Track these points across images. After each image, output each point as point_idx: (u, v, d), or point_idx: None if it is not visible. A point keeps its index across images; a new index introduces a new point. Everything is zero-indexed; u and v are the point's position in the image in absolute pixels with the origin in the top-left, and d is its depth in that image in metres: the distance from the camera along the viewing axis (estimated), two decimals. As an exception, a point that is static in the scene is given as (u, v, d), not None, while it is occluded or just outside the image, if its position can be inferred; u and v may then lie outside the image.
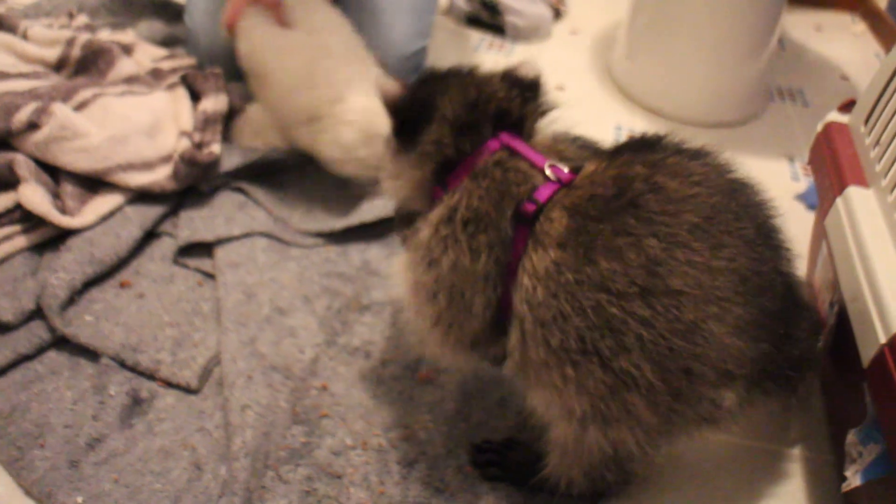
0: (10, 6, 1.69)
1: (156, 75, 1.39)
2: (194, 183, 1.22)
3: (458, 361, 0.87)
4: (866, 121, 0.94)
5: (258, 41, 1.26)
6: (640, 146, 0.80)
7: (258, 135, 1.30)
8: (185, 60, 1.45)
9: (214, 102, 1.30)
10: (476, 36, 1.92)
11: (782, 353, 0.76)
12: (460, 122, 0.81)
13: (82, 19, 1.55)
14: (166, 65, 1.41)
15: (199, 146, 1.24)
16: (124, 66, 1.35)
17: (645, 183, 0.73)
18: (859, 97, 0.98)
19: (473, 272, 0.77)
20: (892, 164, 0.84)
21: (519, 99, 0.84)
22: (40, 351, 1.01)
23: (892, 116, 0.87)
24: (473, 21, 1.95)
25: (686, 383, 0.71)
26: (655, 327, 0.69)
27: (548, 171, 0.77)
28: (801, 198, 1.38)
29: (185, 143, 1.22)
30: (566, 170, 0.78)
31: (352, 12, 1.34)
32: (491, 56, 1.82)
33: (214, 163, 1.22)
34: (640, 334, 0.69)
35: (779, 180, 1.44)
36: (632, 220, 0.71)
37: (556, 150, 0.82)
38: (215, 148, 1.24)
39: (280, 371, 0.99)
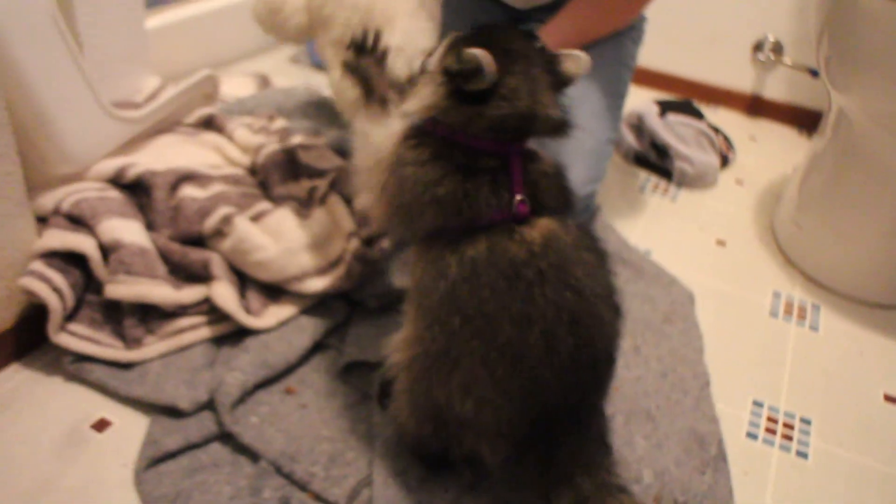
0: (221, 97, 1.86)
1: (312, 194, 1.46)
2: (363, 291, 1.30)
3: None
4: None
5: None
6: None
7: (277, 12, 1.30)
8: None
9: (368, 197, 1.37)
10: (642, 176, 1.95)
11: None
12: (510, 123, 0.89)
13: (280, 123, 1.69)
14: (323, 185, 1.47)
15: (368, 242, 1.31)
16: (291, 188, 1.45)
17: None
18: None
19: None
20: None
21: (557, 119, 0.91)
22: (207, 441, 1.07)
23: None
24: (641, 161, 1.99)
25: None
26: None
27: (515, 202, 0.88)
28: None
29: (354, 243, 1.30)
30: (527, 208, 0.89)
31: None
32: (655, 199, 1.85)
33: (387, 257, 1.29)
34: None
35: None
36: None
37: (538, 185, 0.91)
38: (385, 242, 1.30)
39: (425, 505, 1.02)
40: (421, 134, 0.91)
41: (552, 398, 0.88)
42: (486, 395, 0.88)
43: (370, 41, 1.04)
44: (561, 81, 0.93)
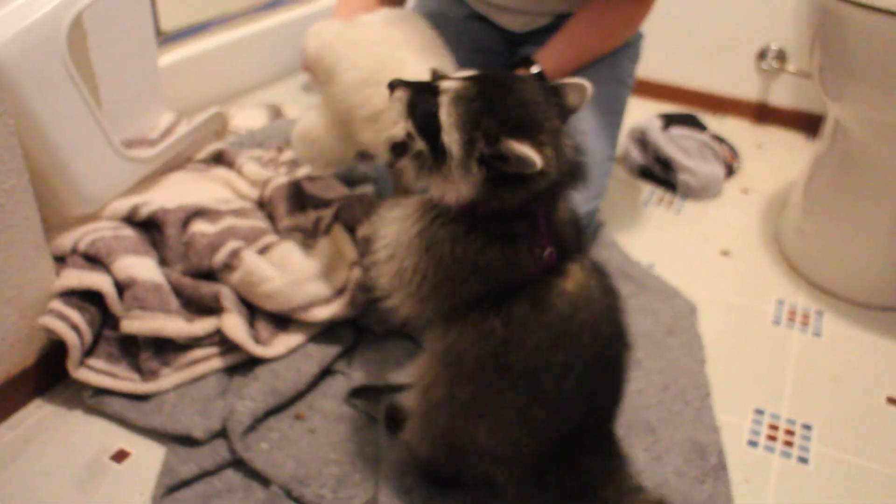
0: (233, 129, 1.92)
1: (318, 225, 1.49)
2: (369, 317, 1.34)
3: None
4: None
5: (330, 35, 1.21)
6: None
7: (313, 143, 1.25)
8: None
9: (370, 225, 1.38)
10: (647, 189, 1.98)
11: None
12: (545, 194, 0.88)
13: (289, 154, 1.74)
14: (327, 215, 1.50)
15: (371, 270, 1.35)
16: (298, 219, 1.49)
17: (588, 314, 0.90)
18: None
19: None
20: None
21: (573, 175, 0.91)
22: (220, 468, 1.12)
23: None
24: (646, 174, 2.02)
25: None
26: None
27: (545, 255, 0.90)
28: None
29: (357, 272, 1.34)
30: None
31: None
32: (660, 212, 1.87)
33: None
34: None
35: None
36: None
37: (561, 234, 0.93)
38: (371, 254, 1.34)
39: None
40: (445, 212, 0.90)
41: (573, 427, 0.94)
42: (512, 435, 0.94)
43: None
44: (565, 113, 0.92)
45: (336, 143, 1.22)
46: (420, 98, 0.88)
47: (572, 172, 0.90)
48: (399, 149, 0.92)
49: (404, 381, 1.22)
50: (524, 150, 0.80)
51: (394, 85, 0.90)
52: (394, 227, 0.95)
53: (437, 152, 0.87)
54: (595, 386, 0.93)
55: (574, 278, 0.91)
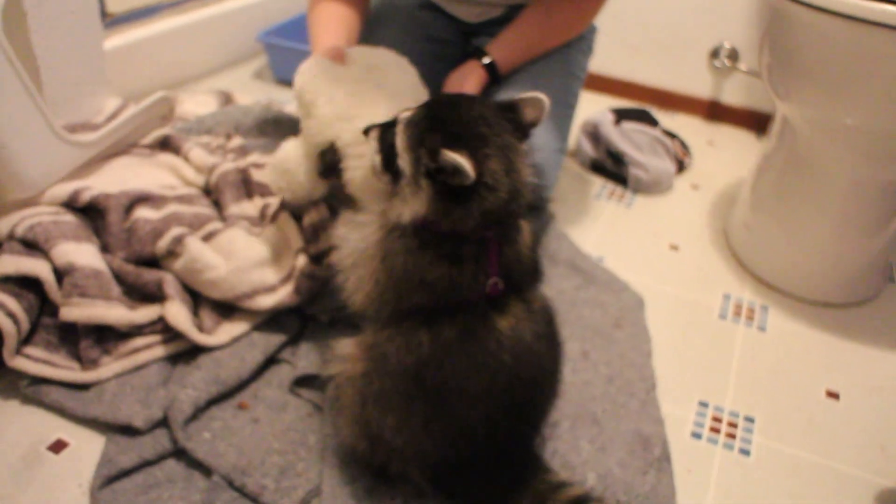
0: (181, 115, 1.89)
1: (264, 213, 1.49)
2: (315, 305, 1.33)
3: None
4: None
5: (316, 71, 1.23)
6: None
7: (285, 174, 1.26)
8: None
9: (316, 212, 1.40)
10: (599, 183, 1.99)
11: None
12: (496, 214, 0.92)
13: (237, 141, 1.72)
14: (274, 202, 1.50)
15: (317, 258, 1.34)
16: (244, 206, 1.48)
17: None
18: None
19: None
20: None
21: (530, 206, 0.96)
22: (161, 458, 1.10)
23: None
24: (597, 168, 2.03)
25: None
26: None
27: (489, 284, 0.94)
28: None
29: (302, 260, 1.33)
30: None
31: None
32: (611, 206, 1.89)
33: (335, 274, 1.32)
34: None
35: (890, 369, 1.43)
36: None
37: (512, 267, 0.96)
38: (334, 258, 1.33)
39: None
40: (403, 226, 0.94)
41: (481, 448, 0.97)
42: (416, 439, 0.97)
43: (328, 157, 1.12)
44: (524, 129, 0.96)
45: (305, 177, 1.24)
46: (386, 133, 0.96)
47: (524, 197, 0.94)
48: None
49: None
50: (456, 157, 0.84)
51: (367, 130, 0.99)
52: (357, 233, 1.00)
53: (397, 177, 0.94)
54: (500, 424, 0.96)
55: (511, 316, 0.95)
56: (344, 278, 1.02)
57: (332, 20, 1.45)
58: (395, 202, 0.94)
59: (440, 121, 0.92)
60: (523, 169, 0.93)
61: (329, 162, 1.13)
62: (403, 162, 0.92)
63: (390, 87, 1.19)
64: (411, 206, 0.92)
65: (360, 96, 1.16)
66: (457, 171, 0.85)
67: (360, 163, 1.08)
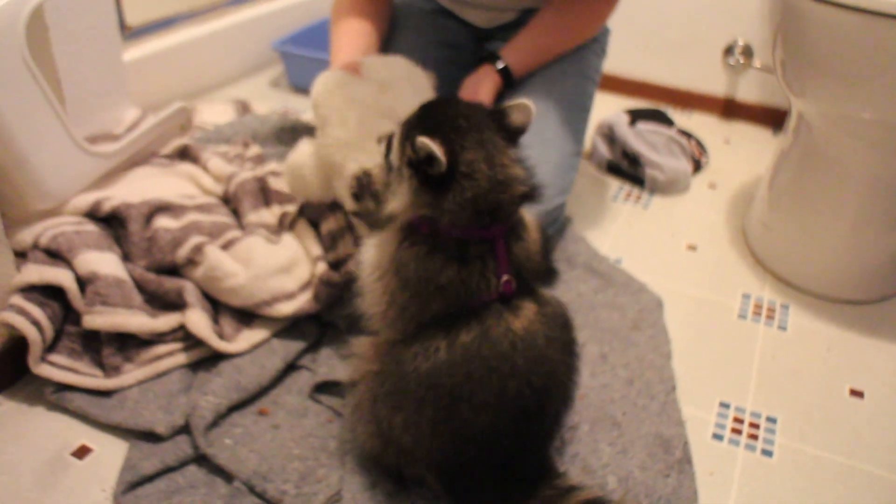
0: (199, 124, 1.90)
1: (282, 221, 1.49)
2: (333, 312, 1.33)
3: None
4: None
5: (332, 85, 1.26)
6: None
7: (300, 179, 1.31)
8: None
9: (334, 220, 1.41)
10: (615, 184, 1.99)
11: None
12: (484, 203, 0.93)
13: (255, 150, 1.73)
14: (292, 210, 1.50)
15: (335, 265, 1.35)
16: (262, 214, 1.49)
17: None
18: None
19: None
20: None
21: (523, 197, 0.96)
22: (183, 464, 1.11)
23: None
24: (614, 170, 2.02)
25: None
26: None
27: (501, 283, 0.95)
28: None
29: (321, 267, 1.34)
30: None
31: None
32: (628, 207, 1.88)
33: (353, 280, 1.33)
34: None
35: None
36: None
37: (522, 264, 0.98)
38: (352, 265, 1.34)
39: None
40: (413, 235, 0.96)
41: (487, 453, 0.97)
42: (424, 442, 0.97)
43: (364, 182, 1.14)
44: (513, 134, 0.98)
45: (319, 185, 1.28)
46: (391, 137, 1.01)
47: (524, 195, 0.96)
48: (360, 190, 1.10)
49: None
50: (427, 142, 0.87)
51: (381, 139, 1.05)
52: (374, 252, 1.01)
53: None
54: (507, 429, 0.96)
55: (524, 318, 0.95)
56: (366, 297, 1.03)
57: (352, 34, 1.47)
58: (390, 200, 0.99)
59: (426, 117, 0.97)
60: (508, 163, 0.95)
61: (363, 186, 1.15)
62: (394, 157, 0.99)
63: (401, 110, 1.20)
64: (398, 197, 0.96)
65: (370, 125, 1.20)
66: (430, 158, 0.88)
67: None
